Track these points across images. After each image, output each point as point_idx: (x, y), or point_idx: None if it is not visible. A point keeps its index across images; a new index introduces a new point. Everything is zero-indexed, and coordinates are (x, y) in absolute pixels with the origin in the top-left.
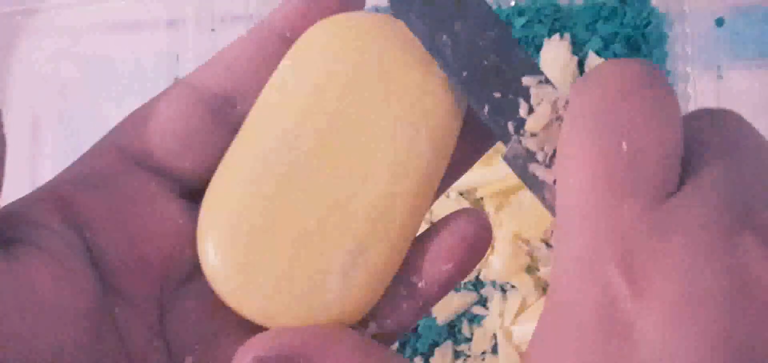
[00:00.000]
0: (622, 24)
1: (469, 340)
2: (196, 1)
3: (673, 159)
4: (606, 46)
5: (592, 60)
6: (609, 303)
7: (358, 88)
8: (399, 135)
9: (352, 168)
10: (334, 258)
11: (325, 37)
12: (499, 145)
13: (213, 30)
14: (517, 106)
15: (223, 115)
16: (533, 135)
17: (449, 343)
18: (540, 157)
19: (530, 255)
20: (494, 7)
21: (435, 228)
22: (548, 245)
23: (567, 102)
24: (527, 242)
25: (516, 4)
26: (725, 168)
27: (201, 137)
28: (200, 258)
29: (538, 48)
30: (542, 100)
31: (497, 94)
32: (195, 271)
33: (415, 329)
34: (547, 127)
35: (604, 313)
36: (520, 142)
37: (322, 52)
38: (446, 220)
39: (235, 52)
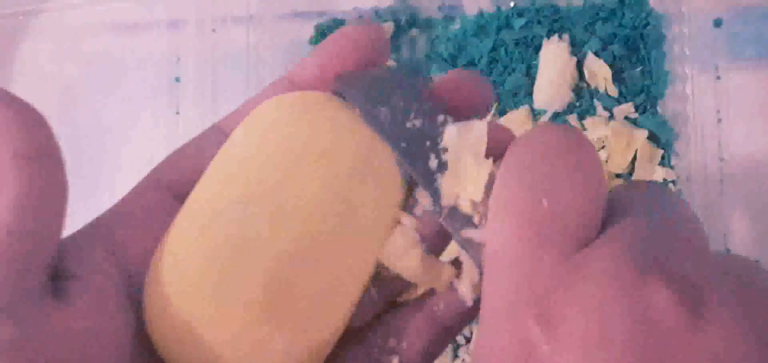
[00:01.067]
0: (620, 25)
1: (469, 339)
2: (197, 2)
3: (591, 214)
4: (604, 47)
5: (591, 61)
6: (527, 348)
7: (304, 164)
8: (344, 212)
9: (297, 243)
10: (278, 335)
11: (275, 114)
12: None
13: (213, 30)
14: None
15: None
16: (465, 198)
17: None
18: (476, 219)
19: None
20: (493, 8)
21: (410, 308)
22: None
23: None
24: None
25: (515, 5)
26: (636, 222)
27: None
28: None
29: (537, 49)
30: (477, 170)
31: (434, 162)
32: None
33: None
34: (479, 191)
35: (523, 358)
36: (456, 207)
37: (271, 128)
38: (420, 304)
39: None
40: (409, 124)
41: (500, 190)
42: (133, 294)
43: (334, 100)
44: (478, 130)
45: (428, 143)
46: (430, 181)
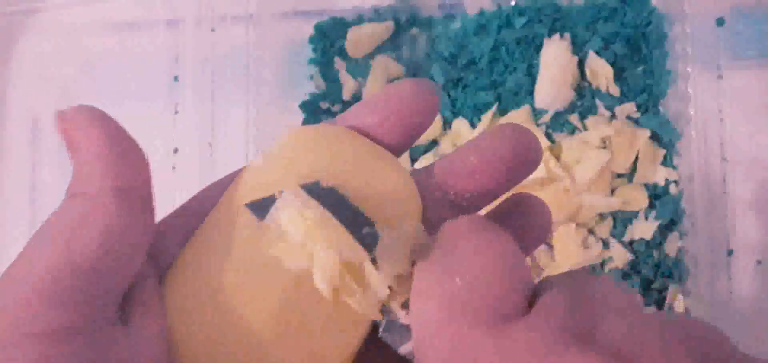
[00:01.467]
0: (622, 24)
1: None
2: (196, 1)
3: (508, 288)
4: (606, 46)
5: (592, 60)
6: None
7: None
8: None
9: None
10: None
11: (295, 140)
12: None
13: (213, 30)
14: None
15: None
16: (394, 303)
17: None
18: (401, 315)
19: (530, 258)
20: (494, 7)
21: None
22: (549, 245)
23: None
24: None
25: (516, 3)
26: (563, 293)
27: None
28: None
29: (538, 48)
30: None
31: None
32: None
33: None
34: (403, 294)
35: None
36: (392, 319)
37: (292, 152)
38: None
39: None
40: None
41: (417, 283)
42: None
43: (354, 133)
44: (403, 234)
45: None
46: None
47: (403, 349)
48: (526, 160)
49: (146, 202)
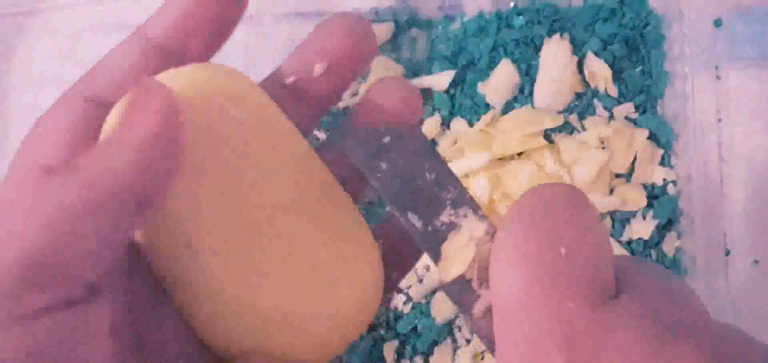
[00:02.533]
0: (620, 25)
1: (468, 340)
2: None
3: (607, 267)
4: (605, 47)
5: (591, 61)
6: None
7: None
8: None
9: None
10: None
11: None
12: None
13: None
14: (450, 233)
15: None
16: (466, 259)
17: (449, 342)
18: (474, 283)
19: None
20: (493, 8)
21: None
22: None
23: (495, 232)
24: None
25: (515, 4)
26: (658, 281)
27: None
28: None
29: (538, 48)
30: (473, 229)
31: (432, 221)
32: None
33: (415, 328)
34: (479, 250)
35: None
36: (454, 268)
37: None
38: None
39: (116, 60)
40: (412, 184)
41: (506, 243)
42: None
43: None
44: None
45: (431, 205)
46: (432, 245)
47: (467, 300)
48: (363, 50)
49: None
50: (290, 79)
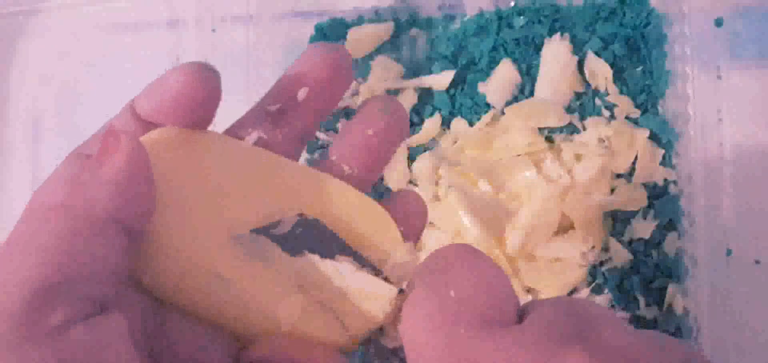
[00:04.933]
0: (621, 24)
1: None
2: (196, 2)
3: (500, 303)
4: (605, 47)
5: (591, 60)
6: None
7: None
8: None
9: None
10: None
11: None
12: None
13: (213, 30)
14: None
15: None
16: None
17: None
18: (390, 336)
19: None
20: (494, 7)
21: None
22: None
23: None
24: None
25: (515, 4)
26: (552, 306)
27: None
28: None
29: (538, 48)
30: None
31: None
32: None
33: None
34: (394, 316)
35: None
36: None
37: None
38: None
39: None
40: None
41: (411, 297)
42: None
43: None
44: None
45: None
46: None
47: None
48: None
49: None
50: (274, 107)
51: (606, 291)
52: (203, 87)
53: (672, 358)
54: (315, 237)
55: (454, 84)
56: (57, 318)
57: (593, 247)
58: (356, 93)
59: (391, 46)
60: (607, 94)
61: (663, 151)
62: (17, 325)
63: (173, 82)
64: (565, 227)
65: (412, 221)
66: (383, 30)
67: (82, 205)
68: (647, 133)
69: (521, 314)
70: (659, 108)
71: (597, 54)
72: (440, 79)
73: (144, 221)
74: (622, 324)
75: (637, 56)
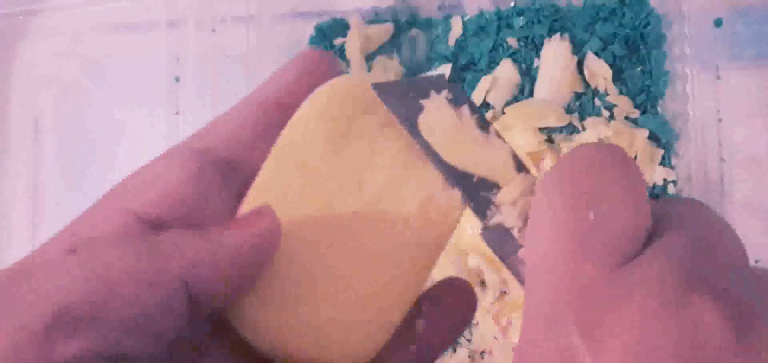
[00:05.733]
0: (620, 24)
1: (469, 339)
2: (197, 2)
3: (636, 230)
4: (605, 47)
5: (591, 60)
6: (568, 359)
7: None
8: (397, 212)
9: (358, 237)
10: (341, 308)
11: (322, 110)
12: None
13: (213, 30)
14: (492, 186)
15: (229, 178)
16: (507, 210)
17: None
18: (515, 232)
19: None
20: (493, 8)
21: (429, 298)
22: None
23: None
24: None
25: (515, 4)
26: (681, 237)
27: (213, 200)
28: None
29: (538, 48)
30: (515, 179)
31: (475, 175)
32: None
33: None
34: (520, 203)
35: None
36: (495, 217)
37: (320, 126)
38: (438, 294)
39: (236, 118)
40: (449, 137)
41: (542, 202)
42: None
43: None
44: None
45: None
46: (471, 192)
47: (506, 247)
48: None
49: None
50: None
51: None
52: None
53: None
54: None
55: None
56: (69, 350)
57: None
58: None
59: (391, 46)
60: (607, 95)
61: (662, 151)
62: (33, 342)
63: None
64: None
65: (461, 315)
66: (383, 30)
67: (161, 259)
68: (647, 133)
69: (651, 231)
70: (659, 108)
71: (596, 54)
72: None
73: (219, 304)
74: (748, 263)
75: (636, 56)
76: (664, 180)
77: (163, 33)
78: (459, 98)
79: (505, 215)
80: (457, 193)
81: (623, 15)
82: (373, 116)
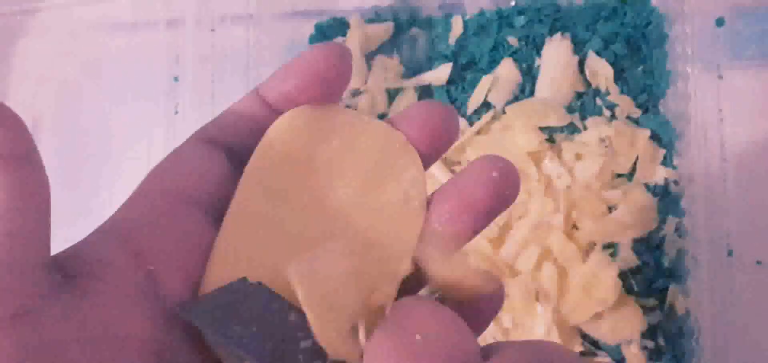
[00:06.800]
0: (622, 24)
1: None
2: (196, 1)
3: (464, 347)
4: (606, 46)
5: (592, 60)
6: None
7: (334, 171)
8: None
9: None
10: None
11: (296, 126)
12: None
13: (213, 30)
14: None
15: (237, 164)
16: None
17: None
18: None
19: None
20: (494, 7)
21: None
22: None
23: None
24: None
25: (516, 3)
26: (522, 350)
27: (227, 179)
28: None
29: (539, 47)
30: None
31: None
32: None
33: None
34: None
35: None
36: None
37: (296, 141)
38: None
39: (240, 111)
40: (275, 339)
41: (373, 347)
42: (157, 294)
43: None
44: None
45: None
46: None
47: None
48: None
49: (36, 163)
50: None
51: None
52: (341, 62)
53: None
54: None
55: (454, 83)
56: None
57: (594, 246)
58: (358, 93)
59: (391, 45)
60: (608, 94)
61: (664, 151)
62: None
63: (311, 59)
64: (566, 229)
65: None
66: (383, 29)
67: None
68: (648, 133)
69: (486, 356)
70: (660, 108)
71: (598, 53)
72: (439, 74)
73: None
74: None
75: (638, 56)
76: (666, 180)
77: (162, 32)
78: (267, 300)
79: None
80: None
81: (625, 14)
82: (335, 142)
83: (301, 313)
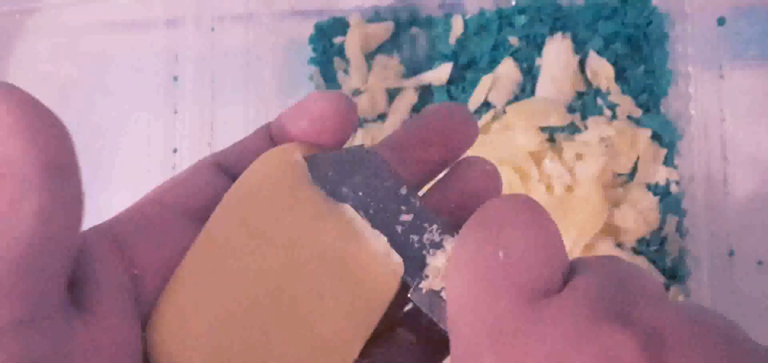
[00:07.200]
0: (623, 23)
1: None
2: (196, 1)
3: (548, 268)
4: (607, 46)
5: (593, 59)
6: None
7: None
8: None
9: (294, 301)
10: None
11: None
12: None
13: (212, 29)
14: (420, 250)
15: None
16: (436, 274)
17: None
18: (444, 294)
19: None
20: (494, 6)
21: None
22: None
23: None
24: None
25: (517, 3)
26: (595, 275)
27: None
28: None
29: (540, 47)
30: (443, 241)
31: (408, 239)
32: None
33: None
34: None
35: None
36: (425, 279)
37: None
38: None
39: (249, 144)
40: (380, 204)
41: (458, 251)
42: (142, 305)
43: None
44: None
45: (400, 219)
46: (408, 261)
47: (438, 304)
48: (464, 135)
49: (75, 175)
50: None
51: None
52: (348, 111)
53: (713, 336)
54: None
55: (454, 82)
56: (5, 318)
57: (594, 247)
58: (358, 92)
59: (391, 45)
60: (609, 94)
61: (665, 151)
62: None
63: (315, 106)
64: (566, 228)
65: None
66: (383, 29)
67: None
68: (649, 132)
69: (567, 275)
70: (661, 107)
71: (599, 53)
72: (439, 74)
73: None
74: (666, 298)
75: (639, 55)
76: (667, 180)
77: (161, 31)
78: (381, 169)
79: (432, 279)
80: (395, 262)
81: (625, 13)
82: (311, 185)
83: (414, 189)
